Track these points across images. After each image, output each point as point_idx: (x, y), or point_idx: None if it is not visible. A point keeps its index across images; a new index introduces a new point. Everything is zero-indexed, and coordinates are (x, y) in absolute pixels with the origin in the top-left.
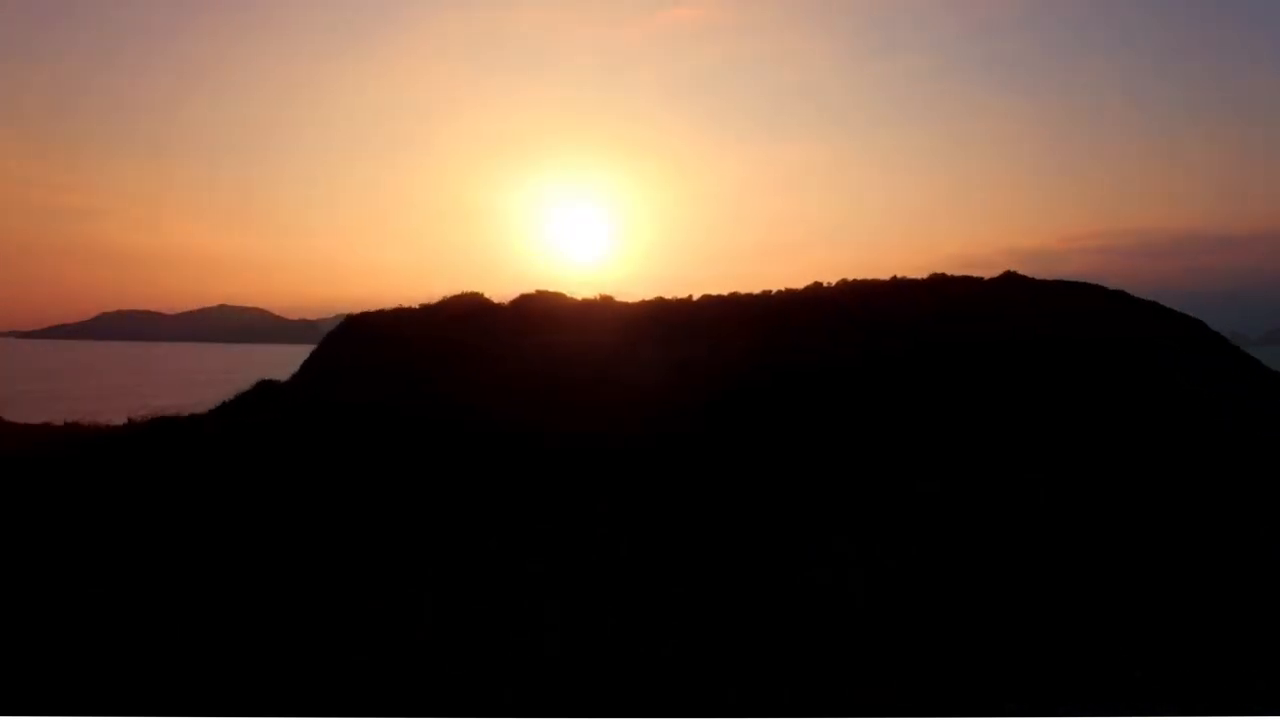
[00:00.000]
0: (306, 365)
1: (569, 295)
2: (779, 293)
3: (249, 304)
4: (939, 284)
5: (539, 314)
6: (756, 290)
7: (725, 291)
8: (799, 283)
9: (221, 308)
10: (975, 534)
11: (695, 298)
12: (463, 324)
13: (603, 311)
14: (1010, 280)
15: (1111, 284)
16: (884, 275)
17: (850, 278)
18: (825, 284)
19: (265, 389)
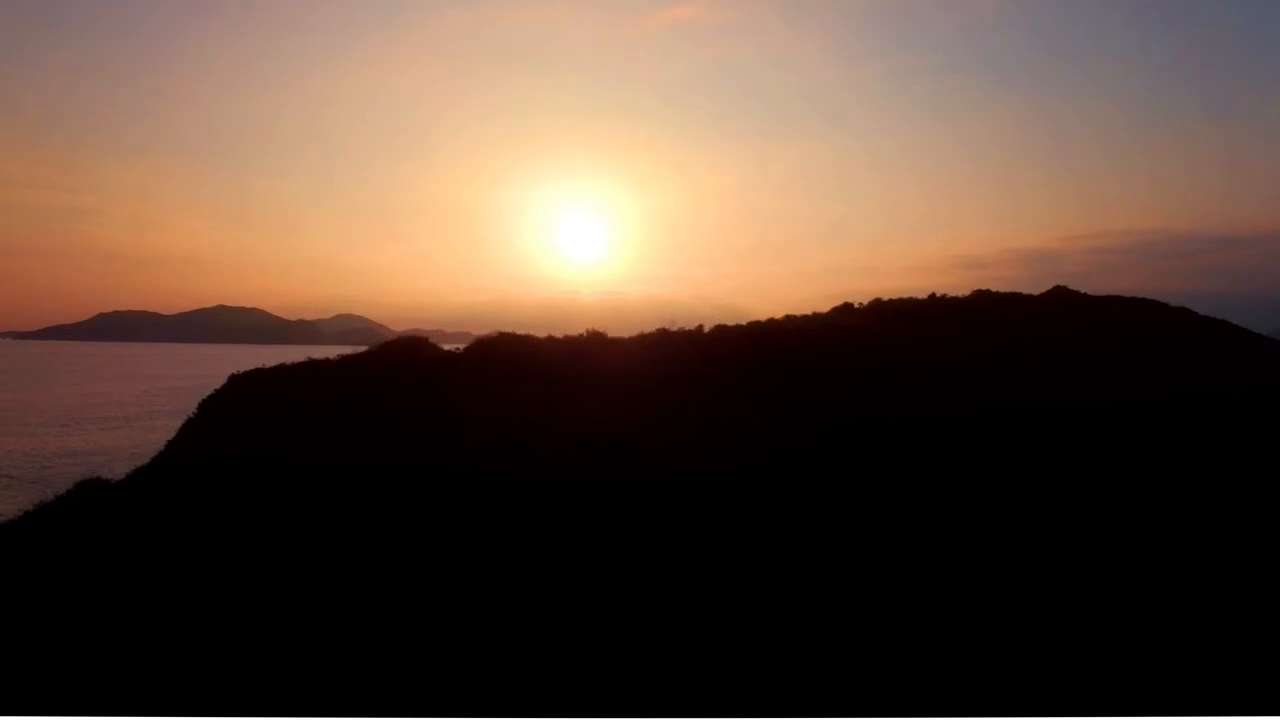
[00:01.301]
0: (174, 444)
1: (538, 336)
2: (803, 319)
3: (247, 304)
4: (982, 303)
5: (502, 365)
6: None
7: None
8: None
9: (219, 308)
10: (975, 534)
11: (706, 329)
12: (390, 389)
13: (589, 358)
14: (1060, 298)
15: (1112, 285)
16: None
17: (884, 297)
18: (856, 305)
19: (89, 489)
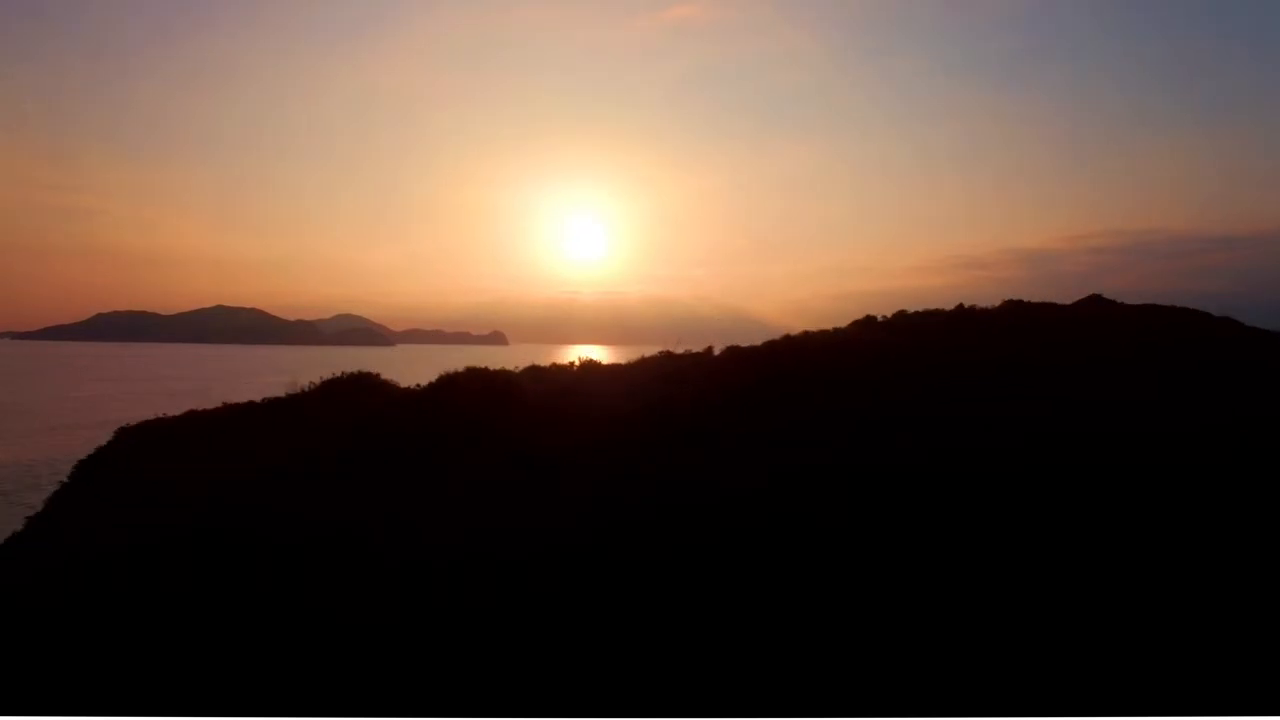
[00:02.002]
0: (39, 520)
1: (513, 370)
2: (822, 335)
3: (246, 304)
4: (1013, 313)
5: (471, 408)
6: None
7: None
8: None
9: (218, 308)
10: (975, 530)
11: (717, 351)
12: (331, 441)
13: (579, 393)
14: (1096, 306)
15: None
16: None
17: (908, 309)
18: (879, 318)
19: None
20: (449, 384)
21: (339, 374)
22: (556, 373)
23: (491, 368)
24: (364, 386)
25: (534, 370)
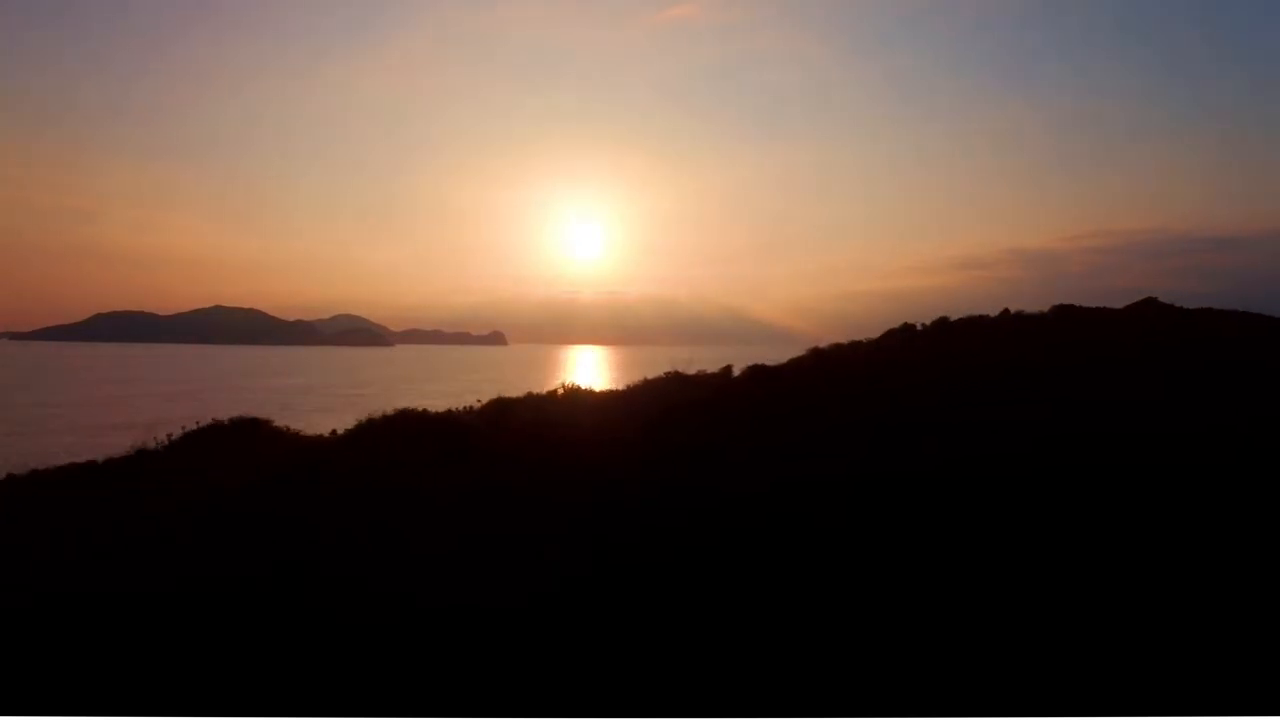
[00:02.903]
0: None
1: (462, 412)
2: (858, 347)
3: (244, 305)
4: (1065, 318)
5: (399, 468)
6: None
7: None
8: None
9: (216, 308)
10: (974, 528)
11: (736, 372)
12: (191, 515)
13: (556, 436)
14: (1151, 310)
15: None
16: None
17: (951, 316)
18: (918, 326)
19: None
20: (369, 433)
21: (213, 421)
22: (532, 408)
23: (433, 409)
24: (248, 434)
25: (500, 404)
